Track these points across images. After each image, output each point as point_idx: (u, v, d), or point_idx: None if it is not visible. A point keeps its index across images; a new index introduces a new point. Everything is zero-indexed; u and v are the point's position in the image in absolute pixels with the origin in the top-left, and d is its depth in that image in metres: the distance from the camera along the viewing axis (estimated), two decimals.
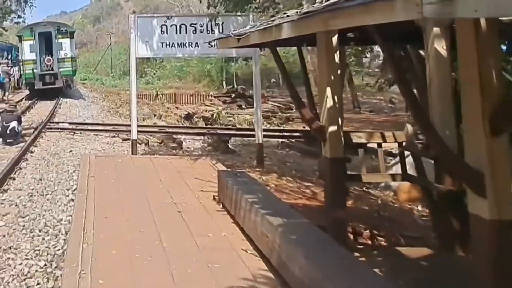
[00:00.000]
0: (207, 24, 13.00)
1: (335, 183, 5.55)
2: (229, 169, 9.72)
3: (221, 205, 7.20)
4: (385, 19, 2.14)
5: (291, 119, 29.49)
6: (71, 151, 14.33)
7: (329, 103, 5.47)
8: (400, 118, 27.59)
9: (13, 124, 15.06)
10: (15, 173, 10.78)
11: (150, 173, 9.89)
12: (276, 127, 26.34)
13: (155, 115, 29.03)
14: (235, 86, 49.46)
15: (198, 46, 13.01)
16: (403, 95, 4.18)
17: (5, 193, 9.01)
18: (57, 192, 9.08)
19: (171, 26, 13.09)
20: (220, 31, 12.92)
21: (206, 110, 30.75)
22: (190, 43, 13.06)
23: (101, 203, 7.27)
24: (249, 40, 5.46)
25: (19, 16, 57.61)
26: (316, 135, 6.16)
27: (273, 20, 5.00)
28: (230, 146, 16.97)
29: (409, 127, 5.71)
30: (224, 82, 57.42)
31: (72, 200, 8.32)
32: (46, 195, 8.92)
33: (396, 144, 6.39)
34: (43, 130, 17.80)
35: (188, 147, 17.35)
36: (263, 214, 5.02)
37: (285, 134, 19.62)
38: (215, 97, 39.89)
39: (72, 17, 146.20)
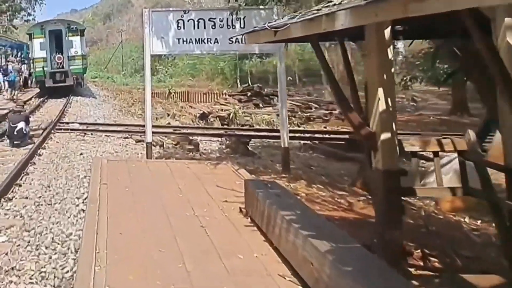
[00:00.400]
0: (227, 19, 12.24)
1: (388, 199, 4.81)
2: (256, 178, 8.96)
3: (249, 219, 6.42)
4: None
5: (311, 118, 28.89)
6: (81, 153, 13.64)
7: (382, 106, 4.72)
8: (424, 117, 26.87)
9: (21, 125, 14.39)
10: (21, 179, 10.07)
11: (167, 180, 9.16)
12: (297, 127, 25.78)
13: (168, 115, 28.46)
14: (250, 84, 48.76)
15: (217, 42, 12.29)
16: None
17: (9, 202, 8.27)
18: (66, 201, 8.33)
19: (188, 21, 12.38)
20: (242, 26, 12.18)
21: (221, 110, 30.06)
22: (209, 39, 12.31)
23: (114, 216, 6.55)
24: (290, 33, 4.72)
25: (29, 14, 57.95)
26: (365, 142, 5.41)
27: (319, 10, 4.31)
28: (249, 148, 16.29)
29: (471, 133, 4.97)
30: (238, 80, 56.83)
31: (83, 210, 7.60)
32: (55, 204, 8.18)
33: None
34: (52, 131, 17.15)
35: (205, 149, 16.64)
36: (305, 236, 4.26)
37: (306, 135, 18.83)
38: (230, 95, 39.32)
39: (83, 15, 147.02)
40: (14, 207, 7.97)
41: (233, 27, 12.24)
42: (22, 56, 43.95)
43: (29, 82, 36.57)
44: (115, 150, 14.69)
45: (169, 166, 10.75)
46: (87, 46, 44.70)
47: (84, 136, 16.94)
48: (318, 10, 4.30)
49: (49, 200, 8.36)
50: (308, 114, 29.71)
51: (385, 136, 4.74)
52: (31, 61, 34.54)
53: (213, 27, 12.32)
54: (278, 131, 19.41)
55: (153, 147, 13.03)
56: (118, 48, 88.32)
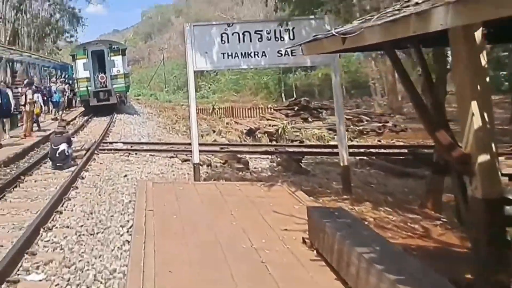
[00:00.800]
0: (275, 30, 11.58)
1: (491, 232, 4.00)
2: (320, 205, 8.20)
3: (315, 252, 5.66)
4: None
5: (364, 132, 27.96)
6: (125, 175, 13.10)
7: (477, 122, 3.92)
8: None
9: (63, 146, 13.97)
10: (62, 205, 9.52)
11: (219, 205, 8.46)
12: (350, 142, 25.05)
13: (214, 131, 27.92)
14: (296, 97, 47.56)
15: (265, 55, 11.62)
16: None
17: (49, 232, 7.64)
18: (109, 230, 7.67)
19: (232, 34, 11.77)
20: (291, 37, 11.52)
21: (269, 125, 29.15)
22: (256, 53, 11.66)
23: (162, 250, 5.92)
24: (363, 39, 3.99)
25: (72, 36, 59.03)
26: (457, 165, 4.58)
27: (399, 10, 3.60)
28: (302, 165, 15.52)
29: None
30: (283, 94, 57.08)
31: (128, 241, 6.93)
32: (97, 233, 7.52)
33: None
34: (95, 152, 16.71)
35: (255, 168, 15.97)
36: (392, 281, 3.53)
37: (361, 150, 17.97)
38: (276, 110, 38.56)
39: (124, 35, 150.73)
40: (54, 238, 7.34)
41: (282, 39, 11.60)
42: (66, 76, 44.62)
43: (74, 101, 37.51)
44: (161, 171, 14.09)
45: (219, 189, 10.10)
46: (129, 65, 46.25)
47: (128, 156, 16.40)
48: (398, 10, 3.62)
49: (92, 230, 7.70)
50: (361, 127, 28.73)
51: (483, 158, 3.93)
52: (75, 81, 35.06)
53: (260, 39, 11.70)
54: (331, 146, 18.67)
55: (200, 167, 12.48)
56: (160, 66, 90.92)
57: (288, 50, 11.41)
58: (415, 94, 5.10)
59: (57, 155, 13.96)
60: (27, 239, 6.88)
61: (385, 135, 27.80)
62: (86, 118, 31.07)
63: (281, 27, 11.55)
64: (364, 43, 4.15)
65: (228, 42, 11.73)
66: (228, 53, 11.71)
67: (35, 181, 12.57)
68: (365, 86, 50.13)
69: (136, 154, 16.95)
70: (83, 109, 35.34)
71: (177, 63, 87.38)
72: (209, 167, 15.23)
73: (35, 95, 20.13)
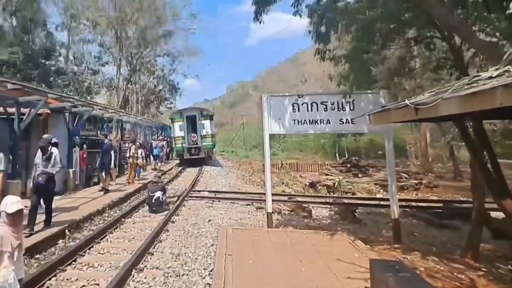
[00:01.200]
0: (338, 102, 11.11)
1: None
2: (381, 258, 7.37)
3: None
4: None
5: (405, 188, 26.92)
6: (209, 220, 12.61)
7: None
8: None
9: (158, 194, 13.78)
10: (154, 247, 9.07)
11: (289, 253, 7.86)
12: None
13: (282, 183, 27.66)
14: (347, 157, 48.60)
15: (329, 123, 11.11)
16: None
17: (140, 273, 7.15)
18: (193, 272, 7.07)
19: (302, 104, 11.33)
20: (351, 108, 11.04)
21: (327, 179, 28.88)
22: (321, 120, 11.17)
23: None
24: (438, 110, 3.39)
25: (171, 103, 61.72)
26: None
27: (476, 83, 3.00)
28: (356, 214, 14.77)
29: None
30: (336, 154, 58.93)
31: (209, 285, 6.35)
32: (182, 275, 6.93)
33: None
34: (185, 198, 16.37)
35: (317, 215, 15.26)
36: None
37: (403, 203, 16.85)
38: (332, 166, 39.18)
39: (213, 103, 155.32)
40: (144, 279, 6.80)
41: (343, 109, 11.08)
42: (165, 135, 46.29)
43: (171, 155, 39.51)
44: (239, 217, 13.52)
45: (288, 236, 9.48)
46: (215, 127, 46.62)
47: (212, 203, 15.94)
48: (471, 84, 3.00)
49: (178, 271, 7.12)
50: (402, 183, 27.68)
51: None
52: (173, 139, 36.58)
53: (325, 109, 11.20)
54: (378, 199, 17.89)
55: (272, 215, 11.90)
56: (240, 129, 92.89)
57: (349, 118, 10.96)
58: (482, 162, 4.39)
59: (153, 201, 13.74)
60: (120, 279, 6.40)
61: (421, 190, 26.96)
62: (180, 168, 31.72)
63: (343, 99, 11.08)
64: (437, 114, 3.52)
65: (298, 110, 11.31)
66: (298, 120, 11.28)
67: (134, 223, 12.26)
68: (402, 150, 49.01)
69: (219, 201, 16.47)
70: (178, 161, 36.46)
71: (253, 127, 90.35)
72: (279, 214, 14.66)
73: (139, 150, 20.28)
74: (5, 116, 13.86)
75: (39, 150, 10.30)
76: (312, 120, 11.23)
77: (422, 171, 35.43)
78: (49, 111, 16.63)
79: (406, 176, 30.89)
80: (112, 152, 16.59)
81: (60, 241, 9.69)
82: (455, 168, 31.10)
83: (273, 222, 11.54)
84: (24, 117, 13.85)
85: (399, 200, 18.63)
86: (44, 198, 10.35)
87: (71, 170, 18.09)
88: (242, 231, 10.32)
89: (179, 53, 53.36)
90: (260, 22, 11.11)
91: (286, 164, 43.21)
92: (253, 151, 77.45)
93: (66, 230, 10.25)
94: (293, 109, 11.35)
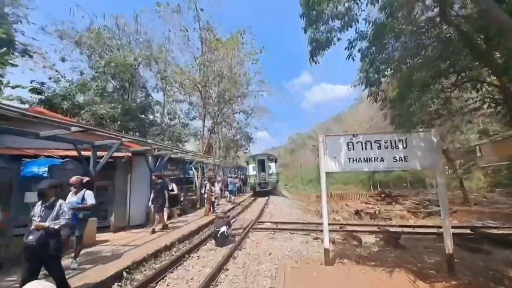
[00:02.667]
0: (390, 140, 8.89)
1: None
2: None
3: None
4: None
5: (432, 213, 23.78)
6: (270, 253, 10.46)
7: None
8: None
9: (223, 229, 11.86)
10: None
11: None
12: (422, 220, 21.39)
13: (333, 211, 25.42)
14: (380, 189, 49.11)
15: (383, 160, 8.79)
16: None
17: None
18: None
19: (357, 143, 9.12)
20: (404, 146, 8.73)
21: (368, 207, 26.81)
22: (375, 158, 8.87)
23: None
24: None
25: (246, 148, 62.94)
26: None
27: None
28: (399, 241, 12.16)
29: None
30: (371, 186, 58.38)
31: None
32: None
33: None
34: (250, 230, 14.34)
35: (365, 242, 12.66)
36: None
37: (439, 230, 13.92)
38: (370, 196, 38.21)
39: (279, 150, 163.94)
40: None
41: (396, 147, 8.76)
42: (240, 173, 49.26)
43: (244, 189, 39.70)
44: (298, 249, 11.13)
45: (346, 273, 7.41)
46: (279, 167, 49.25)
47: (274, 234, 13.67)
48: None
49: None
50: (429, 210, 24.74)
51: None
52: (248, 176, 38.81)
53: (379, 147, 8.92)
54: (415, 226, 15.40)
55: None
56: (298, 169, 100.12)
57: (402, 156, 8.68)
58: None
59: (218, 235, 11.77)
60: None
61: None
62: (251, 199, 30.67)
63: (396, 138, 8.87)
64: None
65: (353, 149, 9.09)
66: (353, 158, 9.02)
67: (198, 258, 10.27)
68: (421, 181, 47.65)
69: (280, 232, 14.18)
70: (250, 193, 37.36)
71: (308, 167, 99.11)
72: (333, 244, 12.25)
73: (213, 187, 18.65)
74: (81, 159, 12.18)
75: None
76: (367, 158, 8.94)
77: (436, 199, 31.79)
78: (130, 154, 15.50)
79: (429, 203, 27.86)
80: (166, 191, 14.30)
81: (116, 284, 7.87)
82: (464, 195, 27.69)
83: (329, 256, 9.29)
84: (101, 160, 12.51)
85: (431, 226, 15.84)
86: (46, 267, 6.01)
87: (152, 206, 16.72)
88: (300, 268, 8.08)
89: (252, 111, 53.91)
90: (315, 63, 9.28)
91: (334, 194, 41.77)
92: (308, 185, 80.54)
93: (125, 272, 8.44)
94: (348, 148, 9.15)
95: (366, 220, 21.87)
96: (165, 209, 14.14)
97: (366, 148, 9.03)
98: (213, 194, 18.21)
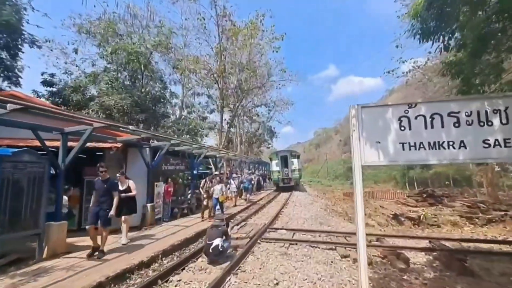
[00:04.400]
0: (478, 112, 4.82)
1: None
2: None
3: None
4: None
5: (493, 220, 18.69)
6: (277, 283, 6.83)
7: None
8: None
9: (217, 241, 8.15)
10: None
11: None
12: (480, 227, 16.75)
13: (365, 214, 20.72)
14: (418, 187, 43.92)
15: (465, 146, 4.78)
16: None
17: None
18: None
19: (416, 118, 5.11)
20: (503, 121, 4.62)
21: (409, 210, 21.21)
22: (450, 143, 4.88)
23: None
24: None
25: (269, 143, 60.21)
26: None
27: None
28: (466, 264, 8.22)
29: None
30: (406, 184, 51.97)
31: None
32: None
33: None
34: (258, 241, 10.52)
35: (414, 263, 8.77)
36: None
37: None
38: (408, 196, 31.54)
39: (304, 145, 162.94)
40: None
41: (489, 123, 4.75)
42: (265, 169, 48.52)
43: (264, 186, 37.02)
44: (319, 276, 7.25)
45: None
46: (303, 163, 50.22)
47: (287, 249, 9.75)
48: None
49: None
50: (490, 216, 19.37)
51: None
52: (271, 172, 38.42)
53: (457, 124, 4.88)
54: (482, 240, 11.07)
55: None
56: (324, 164, 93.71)
57: (500, 139, 4.69)
58: None
59: (210, 250, 8.08)
60: None
61: (508, 222, 18.34)
62: (271, 197, 27.26)
63: (488, 107, 4.85)
64: None
65: (409, 128, 5.10)
66: (409, 144, 5.04)
67: (179, 281, 6.85)
68: (465, 179, 42.35)
69: (296, 245, 10.27)
70: (271, 190, 35.57)
71: (334, 162, 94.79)
72: (370, 265, 8.33)
73: (218, 186, 14.79)
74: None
75: None
76: (434, 143, 4.97)
77: (492, 201, 26.10)
78: (118, 145, 12.04)
79: (484, 206, 22.29)
80: (116, 193, 8.71)
81: None
82: None
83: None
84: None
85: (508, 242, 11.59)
86: None
87: (149, 205, 13.28)
88: None
89: (274, 104, 50.84)
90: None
91: (364, 192, 36.75)
92: (335, 180, 76.01)
93: None
94: (400, 126, 5.15)
95: (408, 227, 17.57)
96: (124, 218, 9.63)
97: (432, 126, 5.02)
98: (209, 193, 14.32)
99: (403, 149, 5.12)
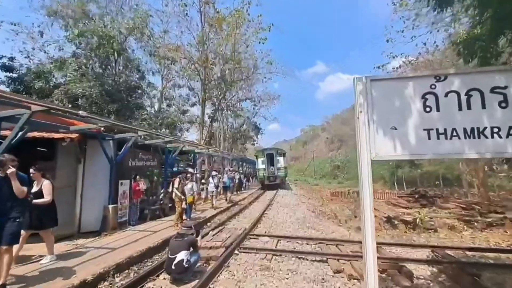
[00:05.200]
0: None
1: None
2: None
3: None
4: None
5: (493, 224, 17.45)
6: None
7: None
8: None
9: (181, 255, 6.58)
10: None
11: None
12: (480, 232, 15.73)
13: (356, 217, 19.49)
14: (405, 186, 44.78)
15: None
16: None
17: None
18: None
19: (446, 95, 3.77)
20: None
21: (403, 213, 19.84)
22: (495, 130, 3.57)
23: None
24: None
25: (254, 140, 59.20)
26: None
27: None
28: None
29: None
30: (395, 183, 51.14)
31: None
32: None
33: None
34: (235, 252, 9.09)
35: (419, 277, 7.66)
36: None
37: None
38: (399, 196, 29.40)
39: (289, 143, 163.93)
40: None
41: None
42: (249, 167, 48.74)
43: (246, 186, 36.14)
44: None
45: None
46: (289, 161, 50.67)
47: (270, 262, 8.31)
48: None
49: None
50: (490, 219, 18.23)
51: None
52: (257, 170, 38.72)
53: (503, 104, 3.64)
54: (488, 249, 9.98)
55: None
56: (310, 162, 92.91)
57: None
58: None
59: (173, 266, 6.54)
60: None
61: (507, 226, 17.10)
62: (254, 197, 26.00)
63: None
64: None
65: (437, 109, 3.77)
66: (438, 130, 3.73)
67: None
68: (454, 179, 41.42)
69: (281, 256, 8.87)
70: (256, 189, 36.04)
71: (321, 160, 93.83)
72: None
73: (189, 185, 13.40)
74: None
75: None
76: (472, 130, 3.65)
77: (485, 202, 24.66)
78: (71, 136, 10.47)
79: (479, 207, 20.87)
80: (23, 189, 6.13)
81: None
82: None
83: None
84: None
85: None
86: None
87: (110, 206, 11.76)
88: None
89: (260, 98, 49.64)
90: None
91: (353, 192, 36.08)
92: (321, 179, 75.50)
93: None
94: (425, 106, 3.83)
95: (402, 231, 16.44)
96: (44, 233, 7.43)
97: (469, 107, 3.70)
98: (181, 194, 12.73)
99: (429, 137, 3.81)
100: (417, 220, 17.27)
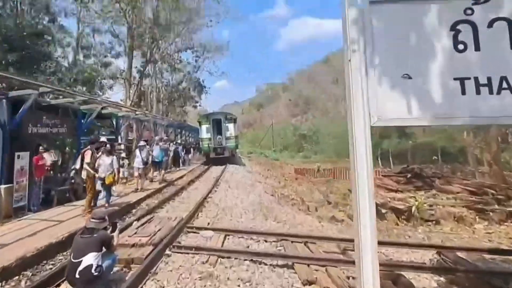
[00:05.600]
0: None
1: None
2: None
3: None
4: None
5: None
6: None
7: None
8: None
9: (89, 259, 5.48)
10: None
11: None
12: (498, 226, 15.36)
13: (329, 203, 18.92)
14: (391, 164, 44.37)
15: None
16: None
17: None
18: None
19: (490, 24, 2.87)
20: None
21: (393, 198, 19.11)
22: None
23: None
24: None
25: (196, 101, 58.04)
26: None
27: None
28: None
29: None
30: (378, 158, 48.56)
31: None
32: None
33: None
34: (167, 252, 8.12)
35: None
36: None
37: None
38: (384, 175, 27.88)
39: (242, 105, 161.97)
40: None
41: None
42: (189, 135, 49.45)
43: (188, 162, 35.60)
44: None
45: None
46: (241, 129, 51.32)
47: (214, 266, 7.37)
48: None
49: None
50: (510, 208, 17.31)
51: None
52: (201, 140, 37.80)
53: None
54: None
55: None
56: (269, 129, 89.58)
57: None
58: None
59: (77, 274, 5.40)
60: None
61: None
62: (198, 173, 27.01)
63: None
64: None
65: (475, 47, 2.88)
66: (477, 80, 2.84)
67: None
68: (457, 154, 40.45)
69: (229, 258, 7.91)
70: (198, 164, 36.00)
71: (283, 127, 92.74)
72: None
73: (106, 158, 12.15)
74: None
75: None
76: None
77: (502, 184, 22.85)
78: None
79: (493, 191, 20.17)
80: None
81: None
82: None
83: None
84: None
85: None
86: None
87: (2, 187, 11.23)
88: None
89: (204, 49, 48.28)
90: None
91: (324, 170, 36.58)
92: (283, 152, 75.24)
93: None
94: (456, 41, 2.97)
95: (393, 222, 15.94)
96: None
97: None
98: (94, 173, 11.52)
99: (464, 91, 2.96)
100: (413, 208, 16.68)
